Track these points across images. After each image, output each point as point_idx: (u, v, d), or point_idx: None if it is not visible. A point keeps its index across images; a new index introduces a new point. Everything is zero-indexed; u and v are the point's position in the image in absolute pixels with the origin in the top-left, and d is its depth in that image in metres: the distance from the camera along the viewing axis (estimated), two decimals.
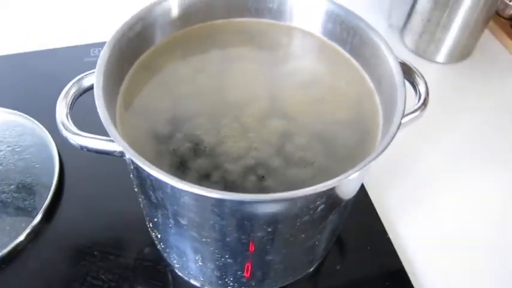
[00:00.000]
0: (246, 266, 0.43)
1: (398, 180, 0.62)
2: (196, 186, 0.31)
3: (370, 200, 0.58)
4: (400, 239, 0.56)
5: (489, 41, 0.82)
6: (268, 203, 0.33)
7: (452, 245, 0.56)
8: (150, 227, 0.49)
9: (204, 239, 0.39)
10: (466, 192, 0.61)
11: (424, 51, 0.78)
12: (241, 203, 0.32)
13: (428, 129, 0.67)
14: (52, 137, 0.59)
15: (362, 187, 0.59)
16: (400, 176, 0.62)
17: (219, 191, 0.30)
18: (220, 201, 0.33)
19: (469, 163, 0.65)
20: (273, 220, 0.36)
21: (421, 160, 0.64)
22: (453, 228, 0.58)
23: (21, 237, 0.51)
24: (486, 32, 0.82)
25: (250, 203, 0.32)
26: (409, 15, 0.78)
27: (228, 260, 0.42)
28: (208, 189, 0.31)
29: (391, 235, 0.55)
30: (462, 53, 0.78)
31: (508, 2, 0.81)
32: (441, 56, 0.78)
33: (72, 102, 0.40)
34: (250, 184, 0.37)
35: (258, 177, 0.37)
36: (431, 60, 0.78)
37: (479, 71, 0.78)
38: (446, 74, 0.77)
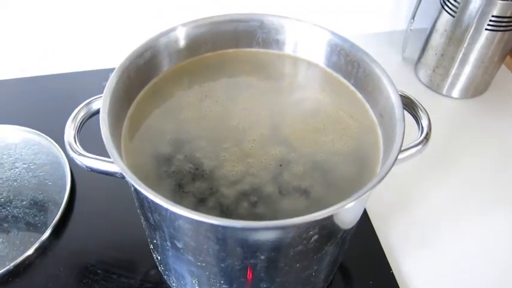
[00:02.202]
0: None
1: (405, 213, 0.61)
2: (185, 209, 0.32)
3: (374, 232, 0.58)
4: (403, 275, 0.55)
5: (506, 76, 0.82)
6: (254, 230, 0.33)
7: (456, 284, 0.55)
8: (151, 248, 0.50)
9: (199, 263, 0.40)
10: (472, 232, 0.60)
11: (438, 86, 0.78)
12: (231, 229, 0.33)
13: (439, 164, 0.67)
14: (66, 156, 0.61)
15: (367, 218, 0.59)
16: (407, 209, 0.62)
17: (207, 216, 0.31)
18: (211, 226, 0.34)
19: (478, 201, 0.64)
20: (265, 248, 0.36)
21: (429, 194, 0.64)
22: (458, 268, 0.56)
23: (30, 252, 0.53)
24: (503, 68, 0.82)
25: (237, 229, 0.33)
26: (423, 49, 0.79)
27: (224, 286, 0.42)
28: (200, 213, 0.32)
29: (394, 270, 0.55)
30: (477, 88, 0.78)
31: None
32: (456, 91, 0.78)
33: (80, 124, 0.42)
34: (243, 210, 0.38)
35: (251, 204, 0.38)
36: (445, 95, 0.78)
37: (494, 107, 0.77)
38: (460, 109, 0.77)
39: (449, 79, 0.76)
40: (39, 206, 0.57)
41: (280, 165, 0.41)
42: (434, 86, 0.79)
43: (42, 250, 0.54)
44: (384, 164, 0.38)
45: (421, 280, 0.55)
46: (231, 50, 0.51)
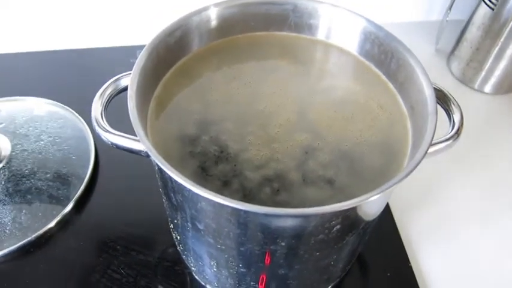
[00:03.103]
0: (260, 278, 0.43)
1: (428, 208, 0.60)
2: (208, 192, 0.31)
3: (395, 224, 0.57)
4: (422, 269, 0.54)
5: None
6: (277, 217, 0.33)
7: (475, 284, 0.54)
8: (171, 227, 0.50)
9: (219, 246, 0.40)
10: (496, 233, 0.59)
11: (470, 80, 0.76)
12: (253, 214, 0.33)
13: (466, 160, 0.65)
14: (91, 131, 0.61)
15: (388, 211, 0.58)
16: (429, 203, 0.61)
17: (230, 200, 0.31)
18: (234, 210, 0.34)
19: (503, 200, 0.62)
20: (286, 235, 0.36)
21: (454, 190, 0.62)
22: (478, 266, 0.55)
23: (51, 224, 0.54)
24: None
25: (260, 215, 0.33)
26: (458, 42, 0.77)
27: (242, 270, 0.42)
28: (222, 197, 0.31)
29: (413, 264, 0.54)
30: (510, 85, 0.75)
31: None
32: (488, 86, 0.75)
33: (108, 100, 0.42)
34: (265, 196, 0.37)
35: (274, 190, 0.37)
36: (477, 89, 0.76)
37: None
38: (492, 105, 0.75)
39: (483, 73, 0.74)
40: (63, 180, 0.57)
41: (306, 153, 0.41)
42: (467, 79, 0.76)
43: (64, 223, 0.55)
44: (413, 157, 0.37)
45: (440, 276, 0.54)
46: (262, 33, 0.50)
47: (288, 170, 0.39)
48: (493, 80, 0.74)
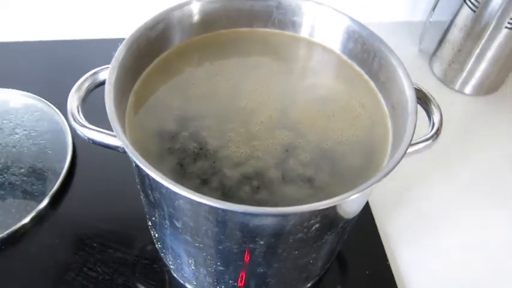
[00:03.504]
0: (239, 276, 0.43)
1: (406, 206, 0.61)
2: (191, 191, 0.31)
3: (374, 222, 0.57)
4: (399, 266, 0.55)
5: None
6: (256, 216, 0.32)
7: (454, 281, 0.55)
8: (149, 225, 0.49)
9: (197, 244, 0.39)
10: (472, 229, 0.60)
11: (451, 81, 0.76)
12: (232, 212, 0.32)
13: (445, 159, 0.66)
14: (69, 125, 0.60)
15: (368, 209, 0.58)
16: (408, 203, 0.61)
17: (209, 198, 0.31)
18: (212, 209, 0.33)
19: (480, 199, 0.63)
20: (265, 233, 0.35)
21: (433, 189, 0.63)
22: (454, 264, 0.56)
23: (25, 221, 0.52)
24: None
25: (238, 213, 0.32)
26: (440, 42, 0.77)
27: (220, 268, 0.42)
28: (201, 195, 0.31)
29: (391, 261, 0.54)
30: (490, 86, 0.76)
31: None
32: (469, 88, 0.76)
33: (85, 94, 0.41)
34: (244, 194, 0.37)
35: (253, 188, 0.37)
36: (457, 90, 0.77)
37: (505, 106, 0.76)
38: (471, 106, 0.76)
39: (464, 75, 0.75)
40: (38, 175, 0.56)
41: (287, 151, 0.40)
42: (448, 80, 0.77)
43: (38, 220, 0.53)
44: (392, 156, 0.37)
45: (417, 273, 0.55)
46: (245, 29, 0.50)
47: (267, 168, 0.39)
48: (473, 82, 0.75)
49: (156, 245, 0.50)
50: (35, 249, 0.52)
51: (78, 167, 0.58)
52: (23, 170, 0.56)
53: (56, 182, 0.55)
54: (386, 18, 0.88)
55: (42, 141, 0.59)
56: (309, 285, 0.51)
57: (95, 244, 0.53)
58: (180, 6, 0.45)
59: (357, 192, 0.32)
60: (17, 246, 0.52)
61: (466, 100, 0.76)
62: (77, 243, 0.53)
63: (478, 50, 0.71)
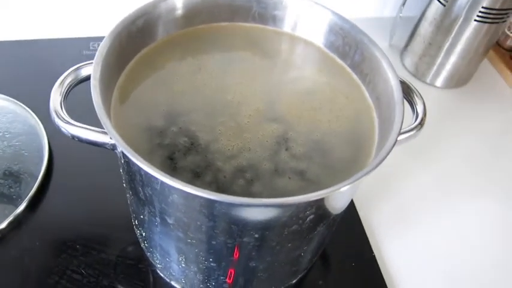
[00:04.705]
0: (229, 272, 0.43)
1: (388, 197, 0.62)
2: (188, 185, 0.30)
3: (358, 215, 0.58)
4: (384, 257, 0.56)
5: (487, 69, 0.83)
6: (258, 207, 0.32)
7: (436, 269, 0.56)
8: (135, 224, 0.48)
9: (189, 240, 0.39)
10: (453, 216, 0.61)
11: (423, 74, 0.78)
12: (231, 205, 0.32)
13: (421, 151, 0.67)
14: (44, 127, 0.58)
15: (351, 202, 0.59)
16: (389, 194, 0.62)
17: (208, 191, 0.30)
18: (209, 202, 0.33)
19: (458, 189, 0.65)
20: (260, 226, 0.35)
21: (411, 180, 0.64)
22: (438, 252, 0.57)
23: (3, 225, 0.50)
24: (485, 61, 0.83)
25: (239, 206, 0.32)
26: (411, 37, 0.79)
27: (212, 264, 0.41)
28: (199, 188, 0.30)
29: (376, 253, 0.55)
30: (460, 79, 0.79)
31: (509, 33, 0.82)
32: (439, 81, 0.78)
33: (67, 91, 0.40)
34: (237, 187, 0.36)
35: (247, 181, 0.37)
36: (429, 83, 0.79)
37: (475, 98, 0.78)
38: (442, 98, 0.78)
39: (435, 68, 0.77)
40: (15, 177, 0.54)
41: (278, 143, 0.40)
42: (419, 74, 0.79)
43: (17, 223, 0.52)
44: (381, 146, 0.38)
45: (402, 263, 0.56)
46: (226, 23, 0.49)
47: (260, 160, 0.38)
48: (444, 74, 0.77)
49: (142, 245, 0.49)
50: (14, 254, 0.50)
51: (55, 169, 0.57)
52: None
53: (34, 184, 0.53)
54: (357, 14, 0.89)
55: (17, 143, 0.57)
56: (296, 279, 0.51)
57: (77, 246, 0.51)
58: (161, 0, 0.44)
59: (354, 180, 0.32)
60: None
61: (438, 93, 0.78)
62: (58, 246, 0.51)
63: (448, 43, 0.73)
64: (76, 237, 0.52)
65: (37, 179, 0.54)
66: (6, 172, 0.54)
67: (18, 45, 0.72)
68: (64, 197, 0.55)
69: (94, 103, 0.35)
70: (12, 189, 0.53)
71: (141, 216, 0.43)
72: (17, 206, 0.52)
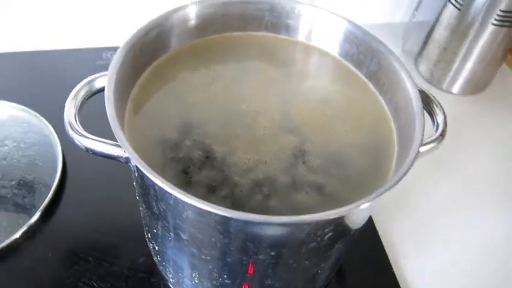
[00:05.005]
0: None
1: (407, 212, 0.60)
2: (202, 201, 0.30)
3: (376, 230, 0.56)
4: (405, 274, 0.54)
5: (506, 75, 0.81)
6: (275, 225, 0.31)
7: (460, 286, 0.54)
8: (148, 237, 0.47)
9: (203, 256, 0.38)
10: (475, 232, 0.59)
11: (439, 81, 0.77)
12: (247, 222, 0.31)
13: (439, 160, 0.65)
14: (58, 137, 0.58)
15: (369, 217, 0.58)
16: (408, 208, 0.60)
17: (223, 208, 0.29)
18: (224, 219, 0.32)
19: (478, 200, 0.63)
20: (277, 244, 0.34)
21: (431, 193, 0.62)
22: (459, 270, 0.55)
23: (17, 235, 0.50)
24: (503, 66, 0.81)
25: (256, 223, 0.31)
26: (425, 42, 0.77)
27: (226, 281, 0.40)
28: (214, 205, 0.30)
29: (395, 270, 0.53)
30: (478, 85, 0.77)
31: None
32: (456, 87, 0.76)
33: (81, 103, 0.39)
34: (255, 203, 0.36)
35: (264, 196, 0.36)
36: (445, 90, 0.77)
37: (493, 105, 0.76)
38: (460, 106, 0.76)
39: (451, 74, 0.75)
40: (29, 187, 0.54)
41: (294, 155, 0.39)
42: (435, 80, 0.77)
43: (31, 234, 0.51)
44: (401, 158, 0.37)
45: (423, 280, 0.54)
46: (239, 33, 0.49)
47: (277, 173, 0.38)
48: (460, 81, 0.75)
49: (155, 258, 0.49)
50: (28, 264, 0.50)
51: (69, 179, 0.56)
52: (13, 183, 0.54)
53: (48, 194, 0.53)
54: (367, 20, 0.87)
55: (32, 153, 0.57)
56: None
57: (90, 258, 0.51)
58: (175, 10, 0.44)
59: (376, 197, 0.31)
60: (9, 261, 0.49)
61: (455, 100, 0.77)
62: (71, 257, 0.51)
63: (464, 49, 0.72)
64: (88, 249, 0.51)
65: (51, 189, 0.54)
66: (21, 182, 0.54)
67: (32, 55, 0.72)
68: (77, 208, 0.55)
69: (108, 116, 0.34)
70: (26, 199, 0.53)
71: (154, 230, 0.42)
72: (30, 216, 0.51)
